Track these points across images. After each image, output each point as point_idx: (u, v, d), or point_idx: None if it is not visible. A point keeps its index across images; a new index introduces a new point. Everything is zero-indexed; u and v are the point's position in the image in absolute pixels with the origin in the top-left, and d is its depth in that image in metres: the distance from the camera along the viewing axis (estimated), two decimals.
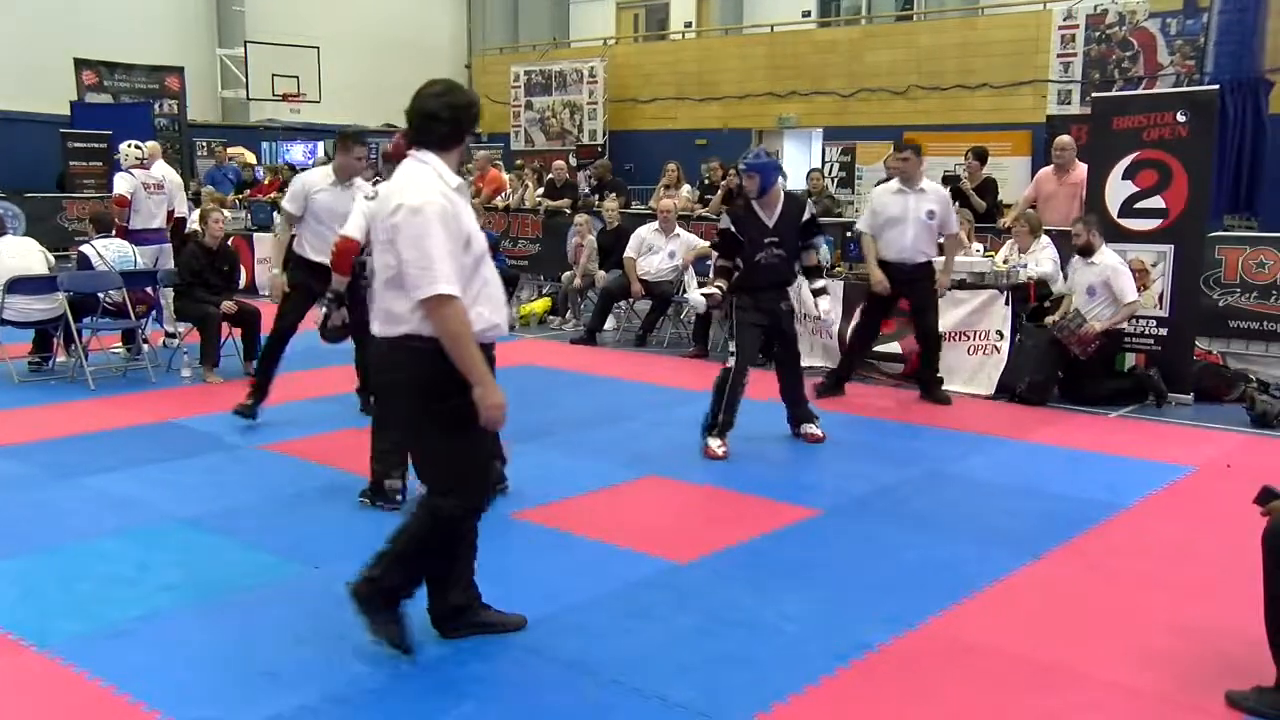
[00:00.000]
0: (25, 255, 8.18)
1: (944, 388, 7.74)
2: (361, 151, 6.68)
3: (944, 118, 16.72)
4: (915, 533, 4.90)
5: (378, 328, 3.44)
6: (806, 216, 6.38)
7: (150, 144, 10.15)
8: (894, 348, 8.36)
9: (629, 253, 10.00)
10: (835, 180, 16.36)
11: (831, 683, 3.44)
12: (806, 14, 20.68)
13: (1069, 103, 15.18)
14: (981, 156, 9.98)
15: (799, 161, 19.00)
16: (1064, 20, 15.34)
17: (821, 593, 4.18)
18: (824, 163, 17.04)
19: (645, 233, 10.07)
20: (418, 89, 3.45)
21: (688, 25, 22.98)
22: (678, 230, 10.08)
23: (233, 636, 3.73)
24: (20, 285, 7.71)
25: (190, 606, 3.97)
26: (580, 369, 8.81)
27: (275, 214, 14.20)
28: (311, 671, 3.45)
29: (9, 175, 16.47)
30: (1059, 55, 15.43)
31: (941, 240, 7.63)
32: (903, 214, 7.44)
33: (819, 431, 6.51)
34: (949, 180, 11.26)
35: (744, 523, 4.99)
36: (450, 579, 3.70)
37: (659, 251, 9.94)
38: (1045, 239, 8.47)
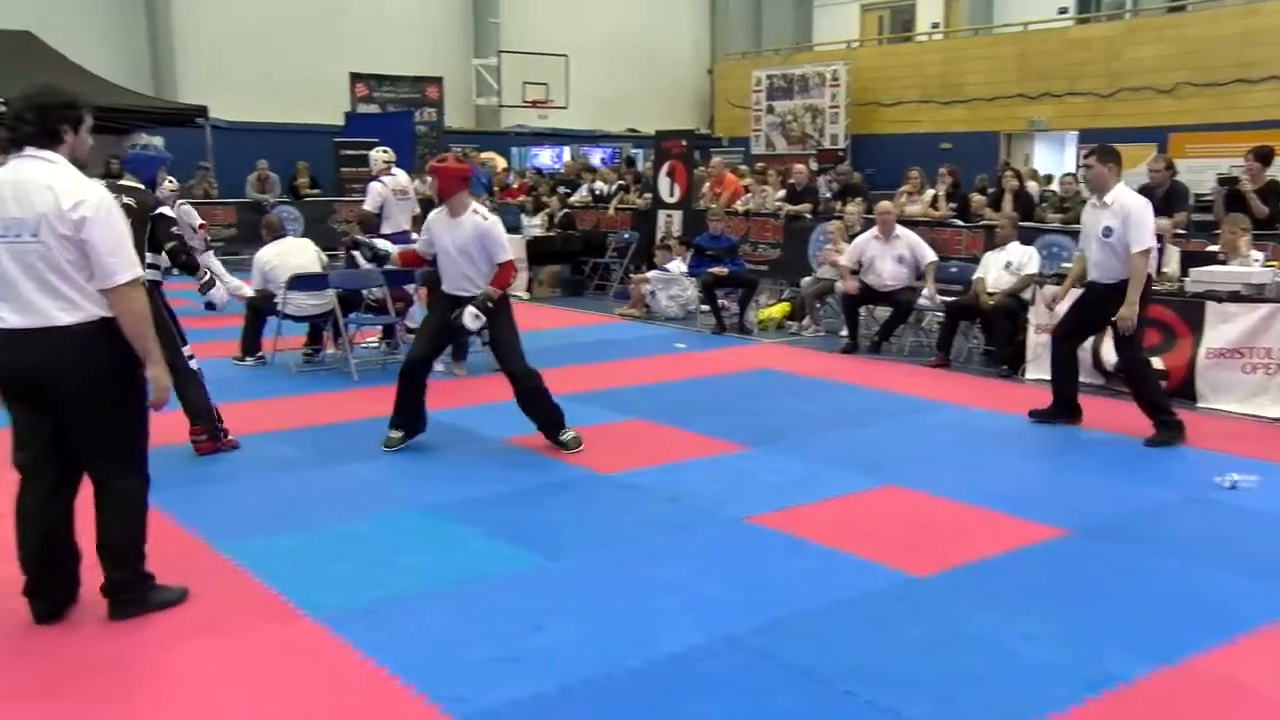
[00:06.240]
0: (303, 254, 8.96)
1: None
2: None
3: (1217, 116, 15.50)
4: (1175, 561, 4.55)
5: None
6: None
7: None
8: (1156, 363, 7.80)
9: (843, 257, 9.88)
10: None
11: (1080, 713, 3.24)
12: (1063, 11, 19.67)
13: None
14: (1265, 157, 9.15)
15: (1050, 165, 18.08)
16: None
17: (1068, 617, 3.95)
18: (1078, 167, 16.13)
19: (864, 241, 9.76)
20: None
21: (935, 26, 22.35)
22: (898, 232, 9.72)
23: (475, 622, 3.89)
24: (299, 282, 8.44)
25: (436, 590, 4.18)
26: (818, 374, 8.71)
27: (523, 216, 14.91)
28: (547, 662, 3.56)
29: (290, 181, 18.01)
30: None
31: None
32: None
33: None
34: (1226, 181, 10.42)
35: (985, 538, 4.79)
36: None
37: (884, 259, 9.65)
38: None
